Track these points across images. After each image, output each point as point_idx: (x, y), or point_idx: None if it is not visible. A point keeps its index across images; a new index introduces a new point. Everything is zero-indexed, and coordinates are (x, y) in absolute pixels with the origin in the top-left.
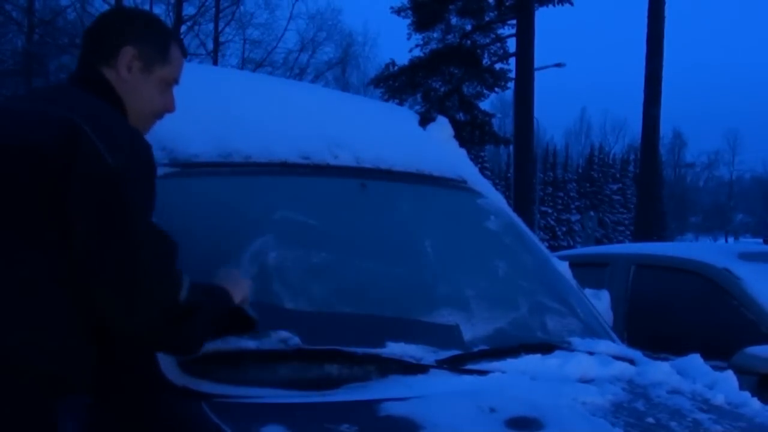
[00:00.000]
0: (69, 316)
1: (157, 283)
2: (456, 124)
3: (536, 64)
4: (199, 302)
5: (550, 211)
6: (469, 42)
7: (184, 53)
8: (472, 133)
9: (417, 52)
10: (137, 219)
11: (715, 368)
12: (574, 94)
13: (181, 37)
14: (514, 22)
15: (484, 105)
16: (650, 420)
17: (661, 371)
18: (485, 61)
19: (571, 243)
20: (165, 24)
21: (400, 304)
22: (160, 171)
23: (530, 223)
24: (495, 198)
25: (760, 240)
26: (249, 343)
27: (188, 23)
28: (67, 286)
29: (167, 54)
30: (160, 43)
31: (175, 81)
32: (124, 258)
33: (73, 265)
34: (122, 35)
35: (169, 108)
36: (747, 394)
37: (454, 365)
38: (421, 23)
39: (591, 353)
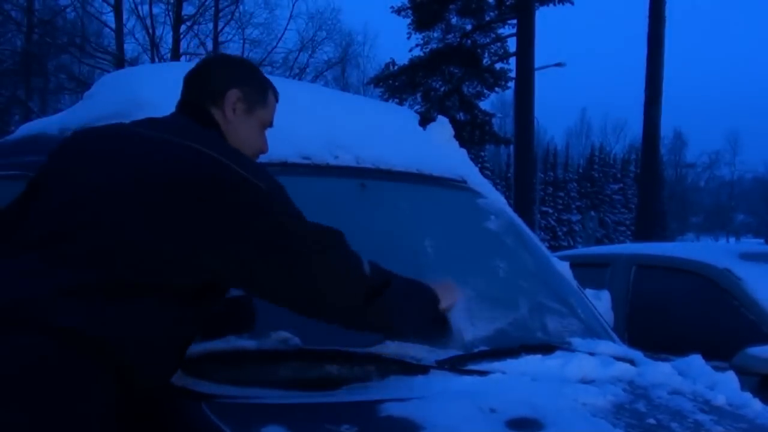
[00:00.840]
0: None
1: (344, 267)
2: (456, 124)
3: (536, 64)
4: (387, 278)
5: (550, 211)
6: (469, 42)
7: (277, 98)
8: (472, 133)
9: (417, 52)
10: (301, 222)
11: (716, 369)
12: (574, 94)
13: (181, 36)
14: (514, 21)
15: (484, 105)
16: (651, 421)
17: (661, 372)
18: (485, 60)
19: (572, 243)
20: (261, 71)
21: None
22: None
23: (531, 224)
24: (495, 198)
25: (761, 240)
26: (249, 343)
27: (188, 23)
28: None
29: (266, 98)
30: (260, 87)
31: (270, 124)
32: (311, 258)
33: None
34: (228, 79)
35: (264, 150)
36: (748, 394)
37: (455, 366)
38: (421, 23)
39: (592, 354)
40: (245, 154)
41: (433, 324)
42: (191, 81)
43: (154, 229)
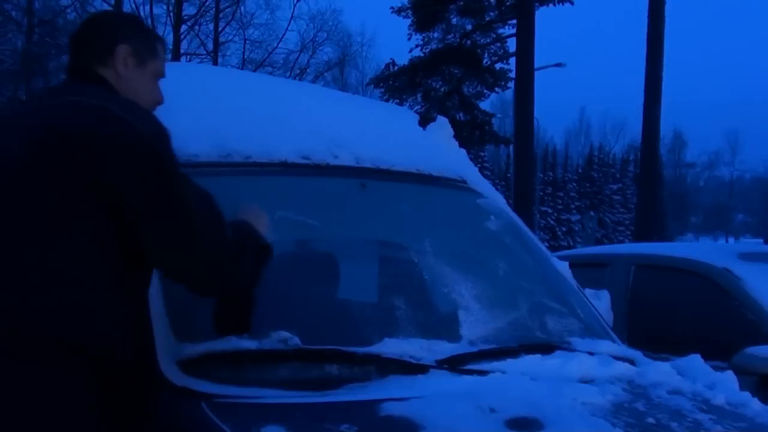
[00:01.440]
0: (121, 295)
1: (212, 224)
2: (456, 124)
3: (536, 64)
4: (243, 237)
5: (550, 211)
6: (469, 42)
7: (165, 49)
8: (472, 133)
9: (417, 52)
10: (178, 173)
11: (716, 368)
12: (574, 94)
13: (182, 37)
14: (514, 22)
15: (484, 105)
16: (650, 420)
17: (661, 371)
18: (485, 61)
19: (571, 243)
20: (145, 22)
21: (400, 304)
22: None
23: (530, 224)
24: (495, 198)
25: (761, 240)
26: (249, 343)
27: (188, 23)
28: (118, 264)
29: (155, 49)
30: (148, 39)
31: (162, 74)
32: (180, 206)
33: (126, 234)
34: (114, 35)
35: (160, 100)
36: (747, 394)
37: (454, 365)
38: (422, 23)
39: (591, 353)
40: (144, 104)
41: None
42: (77, 43)
43: (57, 197)
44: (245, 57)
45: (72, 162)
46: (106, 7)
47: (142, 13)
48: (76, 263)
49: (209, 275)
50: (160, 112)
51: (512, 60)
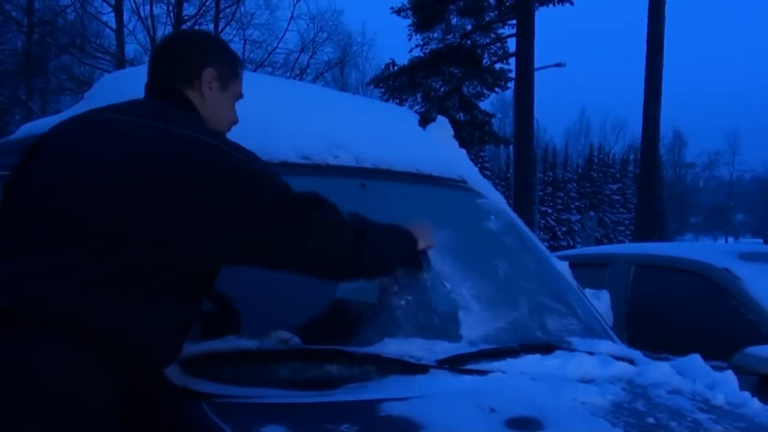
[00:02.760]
0: (174, 309)
1: (333, 220)
2: (456, 124)
3: (536, 64)
4: (364, 222)
5: (549, 211)
6: (469, 42)
7: (242, 70)
8: (472, 133)
9: (417, 52)
10: (291, 191)
11: (715, 368)
12: (574, 94)
13: None
14: (514, 22)
15: (484, 105)
16: (650, 420)
17: (661, 371)
18: (485, 61)
19: (571, 243)
20: (227, 43)
21: (400, 304)
22: None
23: (530, 223)
24: (495, 198)
25: (760, 240)
26: (249, 343)
27: (188, 23)
28: (184, 282)
29: (238, 71)
30: (232, 62)
31: (241, 96)
32: (301, 215)
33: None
34: (202, 58)
35: (236, 121)
36: (747, 394)
37: (454, 365)
38: (422, 23)
39: (591, 353)
40: (223, 128)
41: (410, 262)
42: (161, 62)
43: (163, 221)
44: (245, 57)
45: (178, 195)
46: (106, 7)
47: (142, 13)
48: (166, 276)
49: (333, 267)
50: None
51: (512, 60)
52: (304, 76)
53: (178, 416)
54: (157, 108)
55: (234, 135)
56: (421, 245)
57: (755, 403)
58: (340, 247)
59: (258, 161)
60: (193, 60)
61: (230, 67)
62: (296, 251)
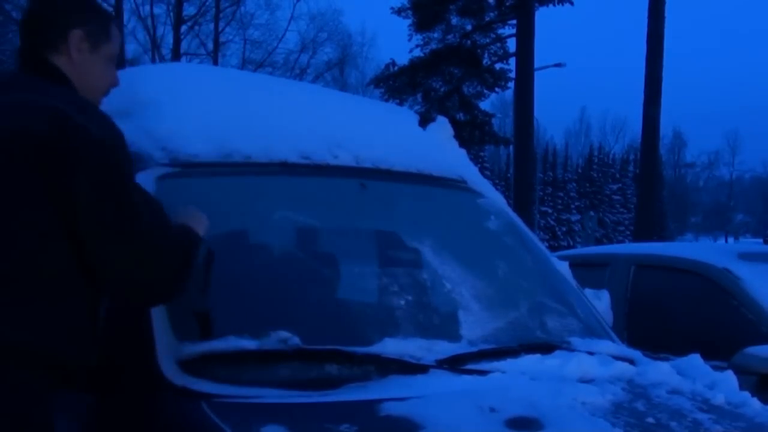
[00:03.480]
0: (74, 305)
1: (160, 233)
2: (456, 124)
3: (536, 64)
4: (189, 246)
5: (549, 211)
6: (469, 42)
7: (120, 29)
8: (472, 133)
9: (417, 52)
10: (129, 181)
11: (715, 368)
12: (574, 94)
13: (182, 37)
14: (514, 22)
15: (484, 105)
16: (650, 420)
17: (661, 371)
18: (485, 61)
19: (571, 243)
20: (100, 4)
21: (400, 304)
22: (160, 171)
23: (530, 223)
24: (495, 198)
25: (760, 240)
26: (249, 343)
27: (188, 23)
28: (71, 272)
29: (109, 31)
30: (101, 21)
31: (115, 57)
32: (129, 216)
33: (78, 236)
34: (67, 20)
35: (115, 83)
36: (747, 394)
37: (454, 365)
38: (422, 23)
39: (591, 353)
40: (98, 91)
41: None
42: (27, 26)
43: (6, 190)
44: (245, 57)
45: (25, 166)
46: (104, 5)
47: (141, 14)
48: (26, 270)
49: (156, 285)
50: (162, 113)
51: (512, 60)
52: (304, 76)
53: (178, 416)
54: (22, 80)
55: (234, 134)
56: (201, 232)
57: (755, 403)
58: (167, 265)
59: (107, 130)
60: (59, 22)
61: (100, 27)
62: (120, 238)
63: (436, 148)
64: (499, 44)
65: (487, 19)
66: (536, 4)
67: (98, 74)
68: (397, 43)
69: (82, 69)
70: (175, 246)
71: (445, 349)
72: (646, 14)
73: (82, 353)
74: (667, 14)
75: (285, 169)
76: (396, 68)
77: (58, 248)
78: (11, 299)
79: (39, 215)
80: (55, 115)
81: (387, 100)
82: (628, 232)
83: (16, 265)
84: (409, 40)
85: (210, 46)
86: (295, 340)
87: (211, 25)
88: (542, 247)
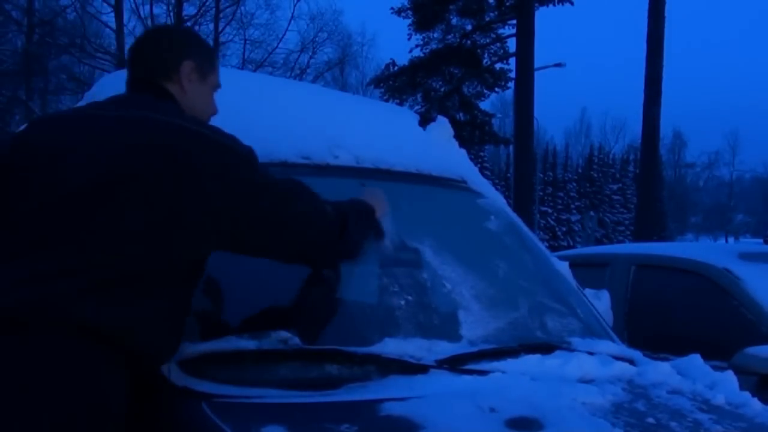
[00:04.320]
0: (170, 301)
1: (317, 210)
2: (456, 124)
3: (536, 64)
4: (344, 211)
5: (550, 211)
6: (469, 42)
7: (218, 61)
8: (472, 133)
9: (417, 52)
10: (274, 178)
11: (716, 368)
12: (574, 94)
13: None
14: (514, 22)
15: (484, 105)
16: (650, 420)
17: (661, 371)
18: (485, 61)
19: (571, 243)
20: (205, 38)
21: (400, 304)
22: None
23: (530, 223)
24: (495, 198)
25: (761, 240)
26: (249, 343)
27: (188, 23)
28: (180, 269)
29: (215, 63)
30: (209, 53)
31: (219, 86)
32: (290, 208)
33: (224, 234)
34: (180, 51)
35: (215, 112)
36: (747, 394)
37: (454, 365)
38: (422, 23)
39: (591, 353)
40: (203, 119)
41: (374, 234)
42: (140, 57)
43: (155, 214)
44: (245, 57)
45: (173, 182)
46: (106, 7)
47: (141, 14)
48: (146, 266)
49: (321, 255)
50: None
51: (512, 60)
52: (304, 76)
53: (178, 416)
54: (140, 101)
55: (236, 133)
56: (378, 214)
57: (755, 404)
58: (324, 235)
59: (241, 144)
60: (172, 54)
61: (207, 59)
62: (280, 238)
63: (436, 148)
64: (499, 44)
65: (487, 19)
66: (536, 4)
67: (204, 104)
68: (397, 43)
69: (191, 98)
70: (331, 218)
71: (445, 349)
72: (646, 14)
73: (164, 348)
74: (667, 14)
75: (285, 169)
76: (396, 68)
77: (173, 248)
78: (120, 290)
79: (165, 218)
80: (181, 128)
81: (387, 100)
82: (628, 232)
83: (136, 261)
84: (409, 39)
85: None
86: (295, 340)
87: (211, 25)
88: (542, 247)
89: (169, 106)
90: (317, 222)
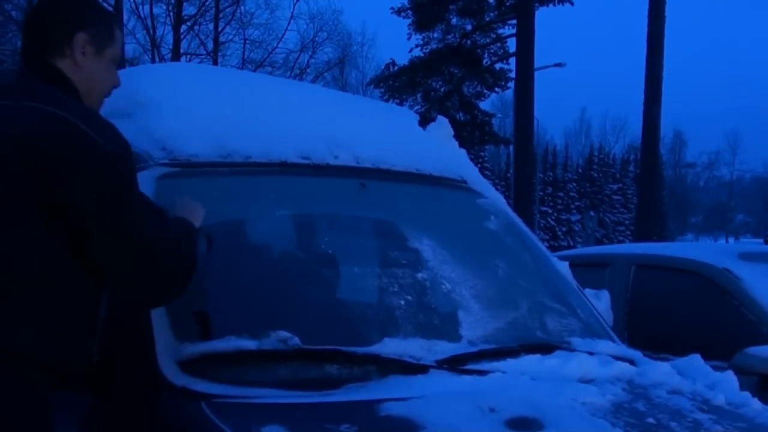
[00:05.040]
0: (74, 306)
1: (164, 240)
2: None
3: (536, 64)
4: (190, 243)
5: (550, 211)
6: (469, 42)
7: (122, 30)
8: (472, 133)
9: (417, 52)
10: (135, 190)
11: (716, 368)
12: (574, 94)
13: (182, 37)
14: (514, 22)
15: (484, 105)
16: (650, 420)
17: (661, 371)
18: (485, 61)
19: (572, 243)
20: (104, 5)
21: (400, 304)
22: (160, 171)
23: (530, 223)
24: (495, 198)
25: (761, 240)
26: (249, 343)
27: (188, 23)
28: (70, 275)
29: (113, 33)
30: (106, 23)
31: (118, 58)
32: (135, 224)
33: (82, 242)
34: (72, 22)
35: (117, 83)
36: (747, 394)
37: (454, 365)
38: (421, 23)
39: (591, 353)
40: (101, 93)
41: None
42: (30, 28)
43: (10, 197)
44: (245, 57)
45: (30, 173)
46: (104, 5)
47: (141, 14)
48: (28, 275)
49: (163, 289)
50: (162, 113)
51: (512, 60)
52: (304, 76)
53: (178, 416)
54: (21, 85)
55: (234, 134)
56: (197, 224)
57: (755, 404)
58: (153, 272)
59: (116, 144)
60: (63, 25)
61: (104, 30)
62: (126, 247)
63: (436, 148)
64: (499, 44)
65: (487, 19)
66: (536, 4)
67: (102, 77)
68: (397, 43)
69: (86, 72)
70: (178, 250)
71: (445, 349)
72: (646, 14)
73: (79, 354)
74: (667, 15)
75: (285, 169)
76: (396, 68)
77: (58, 253)
78: (10, 304)
79: (40, 222)
80: (66, 126)
81: (387, 100)
82: (628, 232)
83: (17, 270)
84: (409, 39)
85: (210, 45)
86: (295, 340)
87: (211, 25)
88: (542, 247)
89: (57, 91)
90: (165, 245)
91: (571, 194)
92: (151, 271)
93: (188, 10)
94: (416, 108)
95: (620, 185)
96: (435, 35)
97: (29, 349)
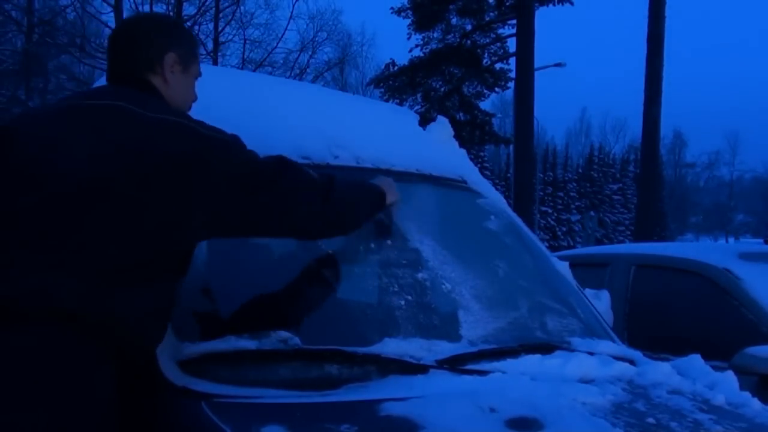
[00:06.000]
0: (163, 288)
1: (301, 179)
2: (456, 124)
3: (536, 64)
4: (330, 180)
5: (550, 211)
6: (469, 42)
7: (199, 49)
8: (472, 133)
9: (417, 52)
10: (258, 158)
11: (716, 368)
12: (574, 94)
13: None
14: (514, 22)
15: (484, 105)
16: (650, 420)
17: (661, 371)
18: (485, 61)
19: (572, 243)
20: (187, 28)
21: (400, 304)
22: None
23: (530, 223)
24: (495, 198)
25: (761, 240)
26: (249, 343)
27: (188, 23)
28: (169, 260)
29: (196, 53)
30: (192, 44)
31: (200, 75)
32: (271, 180)
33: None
34: (162, 43)
35: (195, 99)
36: (747, 394)
37: (454, 365)
38: (421, 23)
39: (591, 353)
40: (185, 108)
41: (377, 215)
42: (122, 48)
43: (150, 206)
44: (245, 57)
45: (161, 178)
46: (106, 7)
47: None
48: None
49: (308, 224)
50: None
51: (512, 60)
52: (304, 76)
53: (178, 416)
54: (121, 93)
55: (236, 133)
56: (388, 199)
57: (755, 404)
58: (311, 206)
59: (224, 133)
60: (154, 45)
61: (190, 50)
62: (271, 215)
63: (436, 148)
64: (499, 44)
65: (487, 19)
66: (536, 4)
67: (186, 94)
68: (397, 43)
69: (174, 88)
70: (313, 183)
71: (445, 349)
72: (646, 14)
73: (156, 334)
74: (667, 15)
75: None
76: (396, 68)
77: (163, 240)
78: (116, 284)
79: (155, 213)
80: (181, 127)
81: (387, 100)
82: (628, 232)
83: (127, 255)
84: (409, 39)
85: (210, 45)
86: (295, 340)
87: (211, 25)
88: (542, 247)
89: (154, 99)
90: (303, 195)
91: (571, 194)
92: (295, 218)
93: (188, 10)
94: (416, 108)
95: (620, 185)
96: (435, 35)
97: (113, 325)
